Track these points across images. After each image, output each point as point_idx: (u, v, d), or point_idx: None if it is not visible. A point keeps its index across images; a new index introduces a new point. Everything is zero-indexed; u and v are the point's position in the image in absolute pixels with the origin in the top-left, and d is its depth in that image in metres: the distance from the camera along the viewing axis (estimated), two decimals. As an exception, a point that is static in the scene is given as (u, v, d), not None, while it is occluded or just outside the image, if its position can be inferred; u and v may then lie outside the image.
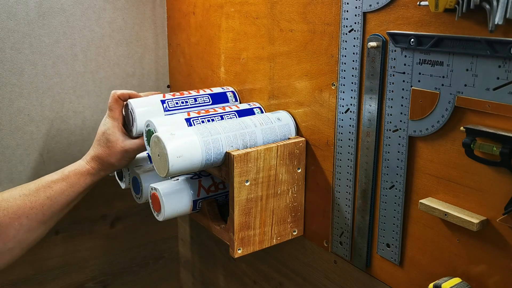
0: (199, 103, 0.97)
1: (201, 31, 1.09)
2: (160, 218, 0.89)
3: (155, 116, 0.91)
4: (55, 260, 1.21)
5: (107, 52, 1.17)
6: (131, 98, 0.94)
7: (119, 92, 0.93)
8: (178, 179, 0.91)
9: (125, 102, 0.95)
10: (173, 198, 0.88)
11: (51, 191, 0.89)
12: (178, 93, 0.98)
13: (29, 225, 0.88)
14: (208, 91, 1.00)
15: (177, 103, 0.95)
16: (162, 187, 0.88)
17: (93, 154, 0.93)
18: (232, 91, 1.00)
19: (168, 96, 0.96)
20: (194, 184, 0.90)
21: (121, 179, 1.04)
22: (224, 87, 1.02)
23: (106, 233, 1.28)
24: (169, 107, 0.94)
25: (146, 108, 0.92)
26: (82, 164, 0.93)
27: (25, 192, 0.89)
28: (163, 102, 0.94)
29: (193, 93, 0.99)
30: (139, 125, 0.91)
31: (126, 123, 0.96)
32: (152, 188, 0.89)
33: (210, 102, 0.98)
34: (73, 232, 1.23)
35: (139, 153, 0.95)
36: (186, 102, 0.96)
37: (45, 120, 1.13)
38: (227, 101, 1.00)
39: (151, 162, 1.01)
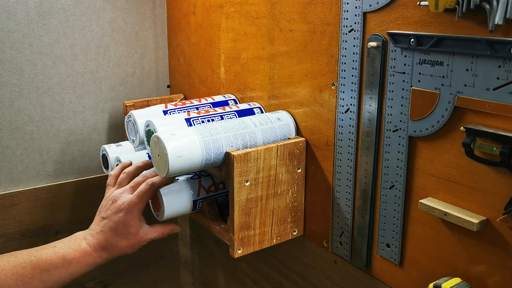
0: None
1: (201, 31, 1.09)
2: (160, 218, 0.89)
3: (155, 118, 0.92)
4: (55, 260, 1.21)
5: (107, 52, 1.17)
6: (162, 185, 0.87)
7: (158, 181, 0.85)
8: (178, 179, 0.91)
9: (128, 117, 0.92)
10: (173, 198, 0.88)
11: (48, 276, 0.80)
12: (180, 103, 0.97)
13: None
14: (210, 100, 1.00)
15: (179, 113, 0.94)
16: (162, 187, 0.88)
17: (105, 244, 0.83)
18: (233, 99, 1.00)
19: (170, 106, 0.96)
20: (194, 184, 0.90)
21: (121, 179, 1.04)
22: (226, 95, 1.02)
23: (106, 233, 1.28)
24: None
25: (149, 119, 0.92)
26: (89, 252, 0.83)
27: (18, 271, 0.79)
28: (165, 112, 0.94)
29: (195, 102, 0.99)
30: (141, 136, 0.91)
31: (128, 133, 0.96)
32: None
33: None
34: (73, 232, 1.21)
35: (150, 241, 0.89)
36: (188, 111, 0.95)
37: (45, 120, 1.13)
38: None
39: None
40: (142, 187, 0.85)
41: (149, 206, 0.92)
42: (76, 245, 0.83)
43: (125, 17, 1.18)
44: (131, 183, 0.87)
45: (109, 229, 0.84)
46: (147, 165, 0.92)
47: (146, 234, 0.86)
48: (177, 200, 0.88)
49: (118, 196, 0.85)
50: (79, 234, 0.86)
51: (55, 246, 0.83)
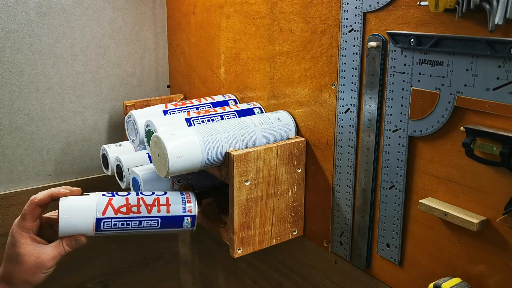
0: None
1: (201, 31, 1.09)
2: (58, 234, 0.80)
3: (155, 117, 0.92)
4: (55, 260, 1.21)
5: (107, 52, 1.17)
6: (53, 198, 0.81)
7: (39, 198, 0.80)
8: (88, 194, 0.83)
9: (128, 117, 0.89)
10: (72, 213, 0.79)
11: None
12: (180, 103, 0.97)
13: None
14: (210, 100, 1.00)
15: (179, 113, 0.94)
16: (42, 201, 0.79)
17: (3, 274, 0.78)
18: (233, 99, 1.00)
19: (170, 106, 0.96)
20: (102, 201, 0.82)
21: (121, 179, 1.04)
22: (226, 95, 1.01)
23: (106, 233, 1.28)
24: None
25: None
26: None
27: None
28: (165, 112, 0.94)
29: (195, 102, 0.99)
30: (141, 136, 0.91)
31: (128, 133, 0.95)
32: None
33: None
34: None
35: (57, 261, 0.81)
36: (188, 111, 0.95)
37: (45, 120, 1.13)
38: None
39: (151, 162, 1.01)
40: (25, 206, 0.80)
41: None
42: None
43: (125, 17, 1.18)
44: None
45: (4, 257, 0.79)
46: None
47: (42, 253, 0.78)
48: (76, 216, 0.79)
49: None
50: None
51: None
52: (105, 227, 0.81)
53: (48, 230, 0.84)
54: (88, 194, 0.83)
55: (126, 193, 0.85)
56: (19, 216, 0.80)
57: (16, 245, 0.77)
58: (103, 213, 0.81)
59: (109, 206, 0.81)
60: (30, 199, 0.81)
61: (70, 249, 0.81)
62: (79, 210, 0.80)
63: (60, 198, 0.80)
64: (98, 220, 0.80)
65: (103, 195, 0.83)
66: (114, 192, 0.85)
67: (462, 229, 0.63)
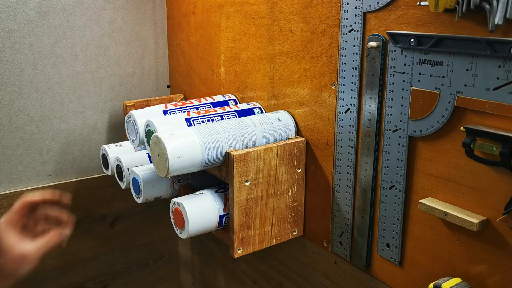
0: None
1: (201, 31, 1.09)
2: (183, 235, 0.83)
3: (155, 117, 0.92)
4: (55, 260, 1.21)
5: (107, 52, 1.17)
6: (44, 202, 0.85)
7: (31, 199, 0.84)
8: (202, 193, 0.86)
9: (128, 117, 0.91)
10: (198, 214, 0.82)
11: None
12: (180, 103, 0.97)
13: None
14: (210, 100, 1.00)
15: (179, 113, 0.94)
16: (187, 202, 0.82)
17: None
18: (233, 99, 1.00)
19: (170, 106, 0.96)
20: (220, 198, 0.84)
21: (121, 179, 1.04)
22: (226, 95, 1.01)
23: (106, 233, 1.28)
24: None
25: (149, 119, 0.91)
26: None
27: None
28: (165, 112, 0.94)
29: (195, 102, 0.99)
30: (141, 136, 0.91)
31: (128, 133, 0.95)
32: (174, 203, 0.83)
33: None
34: (73, 232, 1.22)
35: (40, 256, 0.82)
36: (188, 111, 0.95)
37: (45, 120, 1.13)
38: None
39: (151, 162, 1.01)
40: (16, 202, 0.84)
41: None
42: None
43: (125, 17, 1.18)
44: None
45: None
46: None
47: (24, 248, 0.80)
48: (202, 216, 0.82)
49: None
50: None
51: None
52: (225, 222, 0.84)
53: (41, 226, 0.86)
54: (202, 193, 0.85)
55: None
56: (8, 211, 0.83)
57: (2, 238, 0.79)
58: (224, 210, 0.84)
59: (228, 202, 0.84)
60: (22, 197, 0.84)
61: (55, 244, 0.82)
62: (205, 211, 0.83)
63: (181, 199, 0.83)
64: (221, 217, 0.84)
65: (216, 191, 0.85)
66: (220, 186, 0.87)
67: (462, 229, 0.63)
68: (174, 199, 0.84)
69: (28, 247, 0.80)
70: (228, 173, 0.79)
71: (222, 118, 0.91)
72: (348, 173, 0.78)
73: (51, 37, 1.09)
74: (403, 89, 0.67)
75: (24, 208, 0.83)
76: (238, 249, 0.82)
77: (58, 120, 1.14)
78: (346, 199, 0.79)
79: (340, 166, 0.79)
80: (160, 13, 1.23)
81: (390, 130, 0.70)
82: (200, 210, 0.82)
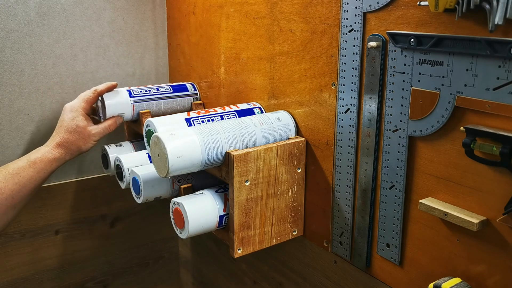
0: (161, 92, 1.09)
1: (201, 31, 1.09)
2: (183, 235, 0.83)
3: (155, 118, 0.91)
4: (55, 260, 1.21)
5: (107, 52, 1.17)
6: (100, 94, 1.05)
7: (100, 89, 1.03)
8: (202, 193, 0.86)
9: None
10: (198, 213, 0.82)
11: (19, 178, 0.94)
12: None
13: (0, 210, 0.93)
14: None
15: (141, 91, 1.06)
16: (187, 202, 0.82)
17: (60, 141, 0.99)
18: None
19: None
20: (220, 198, 0.84)
21: (121, 179, 1.04)
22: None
23: (106, 233, 1.28)
24: (134, 94, 1.06)
25: (115, 100, 1.04)
26: (48, 151, 0.98)
27: None
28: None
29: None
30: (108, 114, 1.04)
31: (97, 112, 1.07)
32: (174, 203, 0.83)
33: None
34: (73, 232, 1.23)
35: (101, 137, 1.03)
36: (149, 91, 1.08)
37: (45, 120, 1.13)
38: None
39: (151, 162, 1.01)
40: (87, 92, 1.03)
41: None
42: (38, 150, 0.99)
43: (125, 17, 1.18)
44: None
45: (61, 129, 1.00)
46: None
47: (93, 129, 1.01)
48: (202, 216, 0.82)
49: (66, 104, 1.03)
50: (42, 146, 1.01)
51: (24, 156, 0.98)
52: (225, 222, 0.85)
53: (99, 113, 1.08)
54: (202, 193, 0.86)
55: None
56: (82, 99, 1.02)
57: (77, 119, 1.00)
58: (224, 210, 0.84)
59: (227, 202, 0.84)
60: (93, 89, 1.03)
61: (113, 128, 1.05)
62: (205, 211, 0.83)
63: (181, 199, 0.85)
64: (221, 217, 0.84)
65: (216, 191, 0.86)
66: (220, 186, 0.87)
67: (462, 229, 0.63)
68: (174, 199, 0.84)
69: (94, 129, 1.02)
70: (228, 173, 0.79)
71: (222, 118, 0.91)
72: (348, 173, 0.78)
73: (51, 37, 1.09)
74: (403, 89, 0.67)
75: (96, 98, 1.03)
76: (238, 249, 0.82)
77: (58, 120, 1.14)
78: (346, 199, 0.79)
79: (340, 166, 0.79)
80: (160, 13, 1.23)
81: (390, 130, 0.70)
82: (200, 210, 0.82)
